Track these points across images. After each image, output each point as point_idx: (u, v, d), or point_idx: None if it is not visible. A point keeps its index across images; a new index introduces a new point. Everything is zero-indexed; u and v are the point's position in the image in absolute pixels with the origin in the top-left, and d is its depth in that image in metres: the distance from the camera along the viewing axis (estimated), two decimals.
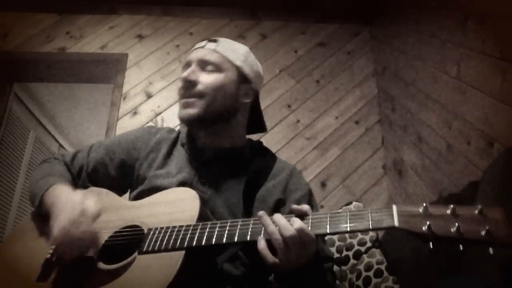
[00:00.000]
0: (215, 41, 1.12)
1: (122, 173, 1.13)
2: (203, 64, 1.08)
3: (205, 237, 0.84)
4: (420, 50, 1.88)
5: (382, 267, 1.49)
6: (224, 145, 1.11)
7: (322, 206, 2.14)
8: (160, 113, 2.35)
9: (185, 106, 1.05)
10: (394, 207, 0.75)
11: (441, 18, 1.70)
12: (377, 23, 2.56)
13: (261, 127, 1.23)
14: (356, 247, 1.60)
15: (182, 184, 1.03)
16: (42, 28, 2.52)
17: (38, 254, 0.94)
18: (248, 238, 0.81)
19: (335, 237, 1.66)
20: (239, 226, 0.84)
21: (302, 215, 0.80)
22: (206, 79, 1.06)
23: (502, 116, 1.26)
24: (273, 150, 2.51)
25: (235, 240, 0.82)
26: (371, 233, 1.64)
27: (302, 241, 0.75)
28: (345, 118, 2.41)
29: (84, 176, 1.13)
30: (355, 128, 2.39)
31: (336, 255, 1.60)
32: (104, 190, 1.08)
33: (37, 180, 1.07)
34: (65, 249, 0.86)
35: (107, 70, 2.51)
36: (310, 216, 0.80)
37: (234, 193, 1.04)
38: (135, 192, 1.07)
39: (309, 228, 0.77)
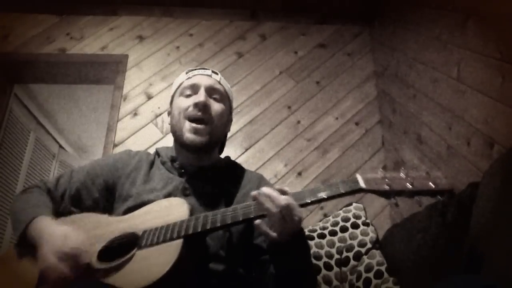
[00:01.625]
0: (217, 73, 1.27)
1: (105, 194, 1.18)
2: (211, 92, 1.21)
3: (200, 225, 0.92)
4: (420, 51, 1.88)
5: (383, 268, 1.49)
6: (204, 163, 1.22)
7: (321, 208, 2.14)
8: (160, 114, 2.35)
9: (195, 132, 1.14)
10: (359, 176, 0.94)
11: (441, 19, 1.70)
12: (377, 24, 2.57)
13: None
14: (356, 248, 1.60)
15: (168, 196, 1.10)
16: (42, 29, 2.52)
17: (32, 270, 0.94)
18: (241, 218, 0.91)
19: (335, 238, 1.66)
20: (229, 211, 0.94)
21: (284, 193, 0.91)
22: (215, 107, 1.19)
23: (502, 117, 1.26)
24: (273, 151, 2.49)
25: (229, 222, 0.91)
26: (371, 235, 1.63)
27: (292, 209, 0.88)
28: (345, 119, 2.41)
29: (67, 199, 1.17)
30: (355, 129, 2.38)
31: (336, 256, 1.60)
32: (92, 213, 1.11)
33: (19, 211, 1.08)
34: (52, 274, 0.88)
35: (107, 71, 2.52)
36: (292, 193, 0.92)
37: (215, 202, 1.12)
38: (122, 209, 1.11)
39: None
